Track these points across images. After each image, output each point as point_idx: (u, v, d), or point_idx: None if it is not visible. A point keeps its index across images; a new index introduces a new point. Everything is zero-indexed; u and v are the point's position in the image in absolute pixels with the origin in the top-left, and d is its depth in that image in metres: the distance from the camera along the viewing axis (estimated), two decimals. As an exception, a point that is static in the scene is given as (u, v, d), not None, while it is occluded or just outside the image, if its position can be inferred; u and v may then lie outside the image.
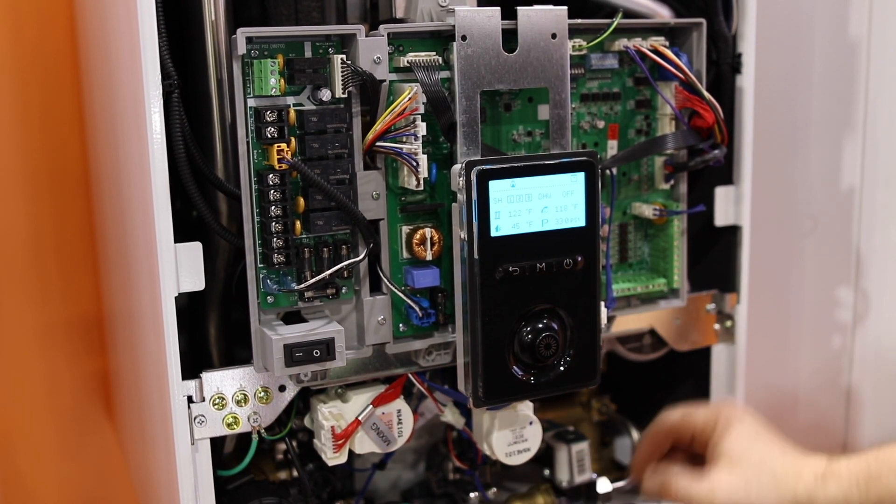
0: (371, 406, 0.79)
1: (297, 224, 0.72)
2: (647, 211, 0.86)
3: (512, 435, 0.83)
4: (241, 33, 0.68)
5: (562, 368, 0.77)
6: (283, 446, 0.86)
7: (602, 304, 0.78)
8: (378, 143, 0.72)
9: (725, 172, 0.92)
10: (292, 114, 0.70)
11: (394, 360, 0.79)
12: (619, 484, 0.98)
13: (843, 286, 1.15)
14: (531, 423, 0.84)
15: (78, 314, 1.14)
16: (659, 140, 0.84)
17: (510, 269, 0.73)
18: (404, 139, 0.72)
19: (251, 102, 0.70)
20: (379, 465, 0.91)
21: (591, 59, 0.83)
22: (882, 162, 1.07)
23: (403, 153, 0.72)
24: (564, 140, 0.78)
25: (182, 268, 0.71)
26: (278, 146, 0.69)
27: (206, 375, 0.74)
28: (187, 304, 0.80)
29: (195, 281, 0.72)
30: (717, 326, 0.95)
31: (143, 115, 0.69)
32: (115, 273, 0.98)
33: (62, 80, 1.10)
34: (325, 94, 0.71)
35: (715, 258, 0.95)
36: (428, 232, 0.76)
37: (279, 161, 0.70)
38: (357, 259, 0.74)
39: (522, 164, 0.73)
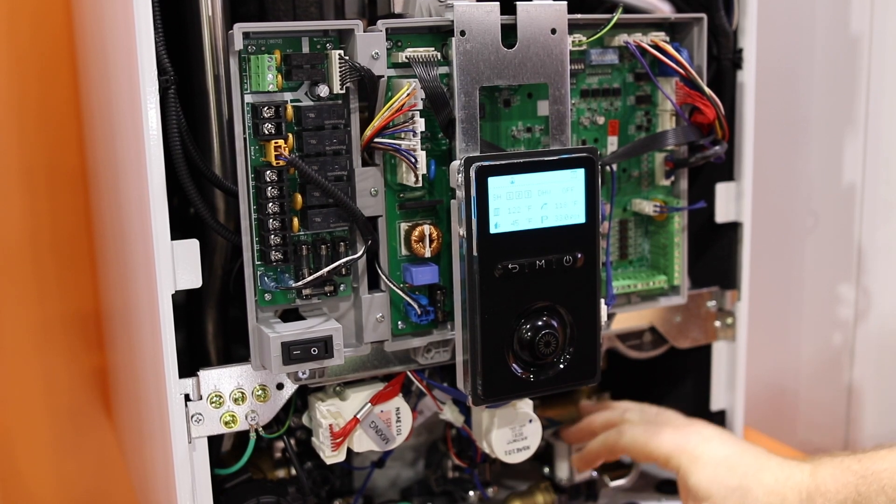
0: (369, 404, 0.78)
1: (295, 221, 0.72)
2: (647, 207, 0.85)
3: (511, 433, 0.83)
4: (238, 29, 0.68)
5: (561, 366, 0.76)
6: (281, 445, 0.85)
7: (602, 301, 0.78)
8: (376, 140, 0.72)
9: (726, 169, 0.91)
10: (290, 110, 0.70)
11: (392, 357, 0.79)
12: (620, 482, 0.98)
13: (844, 283, 1.14)
14: (531, 421, 0.83)
15: (75, 311, 1.14)
16: (659, 136, 0.84)
17: (509, 266, 0.73)
18: (403, 135, 0.72)
19: (248, 98, 0.70)
20: (378, 464, 0.91)
21: (591, 54, 0.82)
22: (884, 158, 1.06)
23: (402, 149, 0.72)
24: (564, 136, 0.77)
25: (179, 265, 0.71)
26: (276, 142, 0.69)
27: (203, 373, 0.74)
28: (184, 302, 0.80)
29: (192, 278, 0.72)
30: (717, 323, 0.94)
31: (139, 111, 0.69)
32: (113, 270, 0.98)
33: (59, 77, 1.10)
34: (323, 90, 0.70)
35: (715, 255, 0.95)
36: (427, 229, 0.76)
37: (277, 157, 0.69)
38: (355, 256, 0.74)
39: (522, 160, 0.73)
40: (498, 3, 0.74)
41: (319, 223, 0.71)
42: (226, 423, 0.75)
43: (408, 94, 0.71)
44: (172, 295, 0.71)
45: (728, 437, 0.83)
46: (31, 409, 1.13)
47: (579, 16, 0.79)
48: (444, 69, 0.75)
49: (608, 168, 0.82)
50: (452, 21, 0.73)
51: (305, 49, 0.71)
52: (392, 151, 0.72)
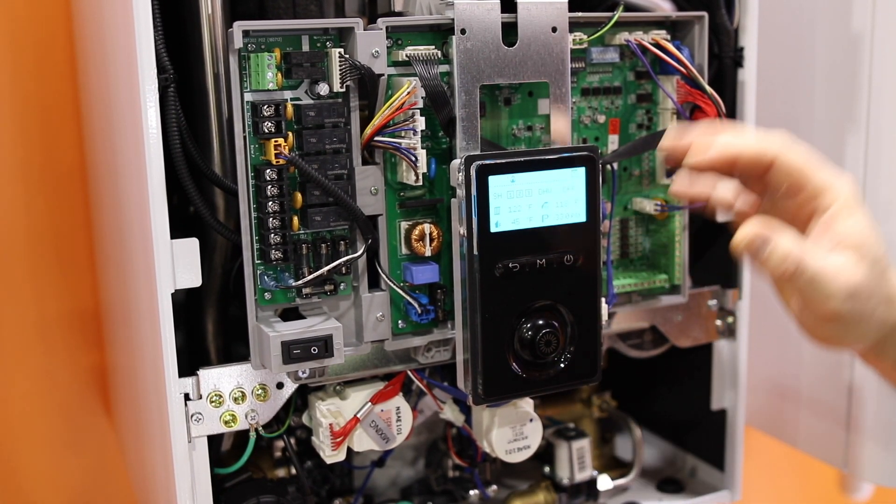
0: (370, 403, 0.78)
1: (295, 220, 0.71)
2: (648, 206, 0.85)
3: (512, 432, 0.82)
4: (238, 27, 0.68)
5: (562, 365, 0.76)
6: (281, 444, 0.85)
7: (603, 300, 0.78)
8: (376, 138, 0.72)
9: (727, 167, 0.91)
10: (290, 108, 0.70)
11: (392, 356, 0.79)
12: (621, 481, 0.98)
13: (845, 282, 1.14)
14: (531, 421, 0.83)
15: (75, 309, 1.14)
16: (660, 135, 0.84)
17: (510, 265, 0.73)
18: (403, 134, 0.72)
19: (248, 97, 0.70)
20: (378, 463, 0.90)
21: (591, 52, 0.82)
22: (885, 157, 1.06)
23: (402, 148, 0.72)
24: (565, 135, 0.77)
25: (179, 264, 0.71)
26: (275, 141, 0.69)
27: (203, 372, 0.74)
28: (184, 301, 0.80)
29: (192, 277, 0.72)
30: (718, 322, 0.94)
31: (139, 110, 0.69)
32: (113, 268, 0.98)
33: (59, 75, 1.10)
34: (323, 89, 0.70)
35: (716, 254, 0.94)
36: (427, 228, 0.76)
37: (276, 156, 0.69)
38: (355, 255, 0.73)
39: (522, 158, 0.72)
40: (498, 1, 0.74)
41: (319, 222, 0.71)
42: (226, 423, 0.75)
43: (408, 93, 0.71)
44: (172, 294, 0.71)
45: None
46: (30, 408, 1.13)
47: (580, 14, 0.79)
48: (444, 67, 0.74)
49: (609, 167, 0.82)
50: (453, 19, 0.72)
51: (305, 47, 0.71)
52: (392, 150, 0.72)
